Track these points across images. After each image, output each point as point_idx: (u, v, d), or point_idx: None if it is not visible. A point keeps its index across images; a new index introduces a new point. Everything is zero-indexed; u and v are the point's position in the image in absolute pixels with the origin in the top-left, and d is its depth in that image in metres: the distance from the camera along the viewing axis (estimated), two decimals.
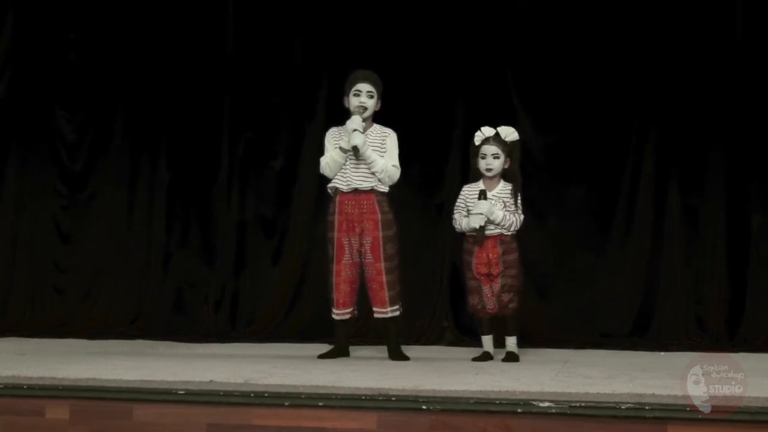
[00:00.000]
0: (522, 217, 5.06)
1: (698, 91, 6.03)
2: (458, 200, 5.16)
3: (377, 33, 6.36)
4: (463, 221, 5.08)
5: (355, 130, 5.10)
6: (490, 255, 5.02)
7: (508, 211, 5.03)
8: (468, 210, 5.05)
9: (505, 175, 5.09)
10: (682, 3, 6.06)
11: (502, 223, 4.99)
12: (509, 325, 5.09)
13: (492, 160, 5.04)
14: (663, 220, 6.09)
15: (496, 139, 5.06)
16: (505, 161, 5.06)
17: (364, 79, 5.20)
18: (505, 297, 5.01)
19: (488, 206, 4.98)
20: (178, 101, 6.71)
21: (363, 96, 5.19)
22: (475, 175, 5.13)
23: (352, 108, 5.20)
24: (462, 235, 5.16)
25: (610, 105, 6.14)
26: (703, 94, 6.02)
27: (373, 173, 5.16)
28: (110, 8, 6.83)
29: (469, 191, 5.10)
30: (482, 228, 4.98)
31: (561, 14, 6.21)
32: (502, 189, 5.07)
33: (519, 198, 5.07)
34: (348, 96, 5.22)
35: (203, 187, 6.72)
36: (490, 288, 5.02)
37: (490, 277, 5.02)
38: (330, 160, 5.23)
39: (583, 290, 6.12)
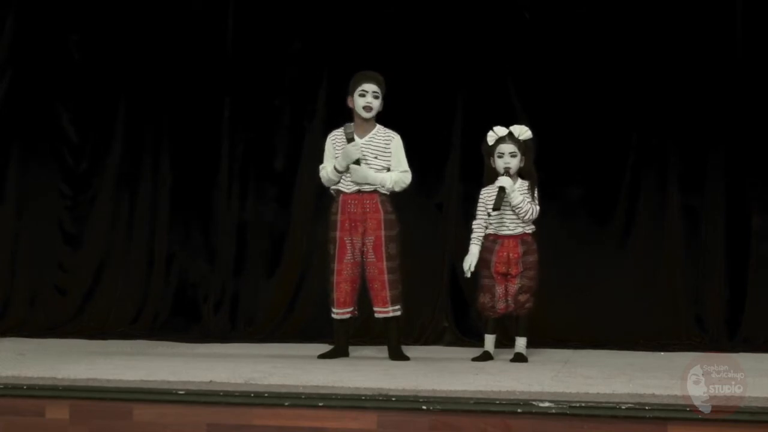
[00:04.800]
0: (538, 208, 5.06)
1: (698, 91, 6.03)
2: (478, 204, 5.15)
3: (377, 33, 6.36)
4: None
5: (356, 160, 5.12)
6: (511, 254, 5.03)
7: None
8: (489, 213, 5.05)
9: (521, 173, 5.10)
10: (685, 6, 6.06)
11: (519, 206, 4.98)
12: (521, 326, 5.10)
13: (510, 158, 5.04)
14: (663, 220, 6.10)
15: (511, 137, 5.07)
16: (521, 160, 5.07)
17: (370, 80, 5.21)
18: (522, 297, 5.02)
19: (511, 182, 5.00)
20: (179, 102, 6.72)
21: (369, 96, 5.19)
22: (489, 175, 5.13)
23: (357, 108, 5.20)
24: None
25: (610, 105, 6.13)
26: (703, 94, 6.02)
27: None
28: (112, 9, 6.83)
29: (488, 193, 5.10)
30: (501, 196, 4.96)
31: (561, 14, 6.21)
32: (520, 186, 5.06)
33: (536, 192, 5.08)
34: (352, 96, 5.21)
35: (204, 188, 6.72)
36: (504, 288, 5.03)
37: (506, 276, 5.02)
38: (326, 174, 5.25)
39: (583, 290, 6.12)
